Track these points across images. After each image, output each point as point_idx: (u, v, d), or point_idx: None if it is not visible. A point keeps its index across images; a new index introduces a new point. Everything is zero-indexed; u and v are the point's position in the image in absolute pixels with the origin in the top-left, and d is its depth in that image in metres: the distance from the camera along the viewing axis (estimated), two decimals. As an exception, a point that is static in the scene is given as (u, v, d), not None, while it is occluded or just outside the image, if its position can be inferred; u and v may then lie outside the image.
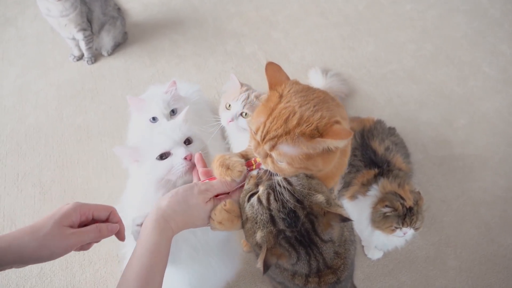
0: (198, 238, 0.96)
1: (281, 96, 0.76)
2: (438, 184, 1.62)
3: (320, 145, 0.72)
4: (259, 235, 0.75)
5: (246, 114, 1.24)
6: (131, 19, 2.27)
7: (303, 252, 0.76)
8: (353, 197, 1.35)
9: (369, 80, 2.02)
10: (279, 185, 0.76)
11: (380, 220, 1.23)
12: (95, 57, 2.12)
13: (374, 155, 1.37)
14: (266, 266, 0.73)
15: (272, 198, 0.76)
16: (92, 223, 0.77)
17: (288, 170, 0.77)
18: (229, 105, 1.26)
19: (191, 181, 0.90)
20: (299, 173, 0.79)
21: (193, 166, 0.92)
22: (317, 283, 0.80)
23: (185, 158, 0.90)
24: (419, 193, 1.24)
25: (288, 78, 0.82)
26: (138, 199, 0.96)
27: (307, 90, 0.78)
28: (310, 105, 0.74)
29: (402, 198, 1.23)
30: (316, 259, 0.77)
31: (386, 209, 1.21)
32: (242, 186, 0.84)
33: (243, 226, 0.81)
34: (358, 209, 1.32)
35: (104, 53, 2.13)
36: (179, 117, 1.06)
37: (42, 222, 0.72)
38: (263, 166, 0.83)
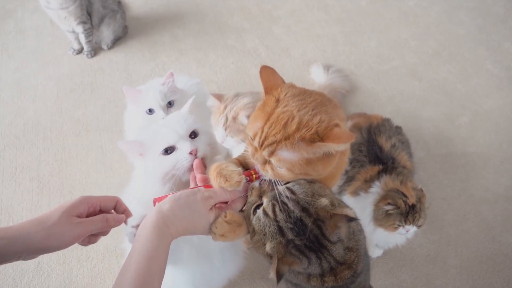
0: (199, 237, 0.94)
1: (278, 101, 0.74)
2: (439, 182, 1.61)
3: (321, 149, 0.71)
4: (268, 247, 0.74)
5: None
6: (131, 12, 2.25)
7: (314, 257, 0.75)
8: (355, 193, 1.33)
9: (371, 76, 2.00)
10: (282, 195, 0.75)
11: (382, 218, 1.22)
12: (95, 50, 2.10)
13: (380, 151, 1.36)
14: (279, 276, 0.72)
15: (277, 209, 0.74)
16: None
17: (288, 176, 0.76)
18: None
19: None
20: (299, 178, 0.78)
21: (198, 161, 0.89)
22: (334, 281, 0.79)
23: (190, 153, 0.88)
24: (421, 190, 1.23)
25: (283, 81, 0.80)
26: (143, 193, 0.93)
27: (304, 93, 0.77)
28: (309, 108, 0.72)
29: (404, 195, 1.21)
30: (327, 260, 0.76)
31: (389, 207, 1.19)
32: (243, 194, 0.83)
33: (251, 238, 0.79)
34: (360, 206, 1.30)
35: (104, 46, 2.11)
36: (184, 108, 1.02)
37: (50, 213, 0.73)
38: (263, 176, 0.81)
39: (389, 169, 1.32)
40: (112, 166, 1.64)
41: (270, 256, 0.74)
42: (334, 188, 1.42)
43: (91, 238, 0.79)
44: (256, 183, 0.82)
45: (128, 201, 0.92)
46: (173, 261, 0.77)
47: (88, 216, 0.77)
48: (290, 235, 0.73)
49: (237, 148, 1.31)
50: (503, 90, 1.93)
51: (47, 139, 1.74)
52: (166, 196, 0.82)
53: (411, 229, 1.22)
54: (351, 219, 0.74)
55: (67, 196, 1.55)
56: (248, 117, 1.19)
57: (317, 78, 1.88)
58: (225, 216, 0.79)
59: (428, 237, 1.45)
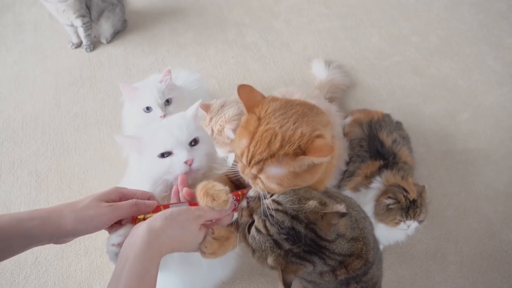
0: None
1: (259, 119, 0.75)
2: (440, 178, 1.60)
3: (305, 162, 0.72)
4: (270, 260, 0.75)
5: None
6: (131, 6, 2.23)
7: (317, 258, 0.76)
8: (355, 189, 1.33)
9: (372, 72, 1.99)
10: (269, 208, 0.75)
11: (383, 213, 1.21)
12: (94, 44, 2.08)
13: (381, 146, 1.35)
14: (287, 285, 0.74)
15: (268, 224, 0.74)
16: None
17: (278, 189, 0.77)
18: None
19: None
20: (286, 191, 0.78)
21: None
22: (346, 273, 0.80)
23: (186, 162, 0.86)
24: (423, 187, 1.22)
25: (263, 96, 0.80)
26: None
27: (285, 107, 0.77)
28: (290, 123, 0.73)
29: (405, 190, 1.21)
30: (331, 258, 0.77)
31: (389, 201, 1.19)
32: (233, 210, 0.83)
33: (252, 256, 0.80)
34: (360, 202, 1.28)
35: (103, 40, 2.09)
36: (189, 112, 0.97)
37: (83, 199, 0.74)
38: (250, 193, 0.82)
39: (390, 164, 1.31)
40: (111, 160, 1.63)
41: (274, 268, 0.75)
42: (334, 183, 1.41)
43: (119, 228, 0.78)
44: (244, 203, 0.82)
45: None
46: (160, 266, 0.75)
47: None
48: (287, 246, 0.74)
49: (231, 155, 1.30)
50: (505, 86, 1.92)
51: (45, 133, 1.72)
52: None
53: (412, 224, 1.21)
54: (343, 215, 0.74)
55: (66, 190, 1.54)
56: (233, 130, 1.18)
57: (317, 74, 1.87)
58: (213, 233, 0.79)
59: (428, 233, 1.45)
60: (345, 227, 0.78)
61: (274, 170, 0.73)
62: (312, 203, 0.74)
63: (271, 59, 2.04)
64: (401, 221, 1.22)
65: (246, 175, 0.78)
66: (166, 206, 0.80)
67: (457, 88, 1.92)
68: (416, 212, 1.20)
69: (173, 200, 0.86)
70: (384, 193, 1.24)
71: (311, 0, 2.35)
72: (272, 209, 0.75)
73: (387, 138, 1.37)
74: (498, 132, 1.75)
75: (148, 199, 0.81)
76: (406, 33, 2.17)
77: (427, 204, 1.23)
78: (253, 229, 0.76)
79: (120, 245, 0.71)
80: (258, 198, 0.80)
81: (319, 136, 0.73)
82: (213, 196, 0.77)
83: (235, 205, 0.84)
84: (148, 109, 1.26)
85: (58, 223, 0.70)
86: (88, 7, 1.93)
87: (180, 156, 0.86)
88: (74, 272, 1.36)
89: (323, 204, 0.75)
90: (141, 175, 0.90)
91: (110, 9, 2.01)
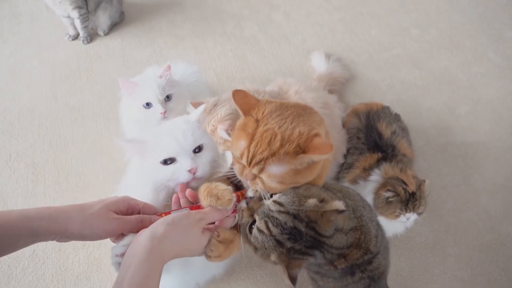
0: None
1: (257, 121, 0.78)
2: (439, 171, 1.59)
3: (304, 160, 0.74)
4: (273, 257, 0.76)
5: None
6: (128, -2, 2.21)
7: (317, 252, 0.78)
8: (353, 181, 1.32)
9: (371, 65, 1.98)
10: (271, 210, 0.77)
11: (383, 206, 1.21)
12: (91, 36, 2.06)
13: (380, 138, 1.34)
14: (293, 279, 0.76)
15: (270, 225, 0.76)
16: None
17: (279, 188, 0.79)
18: None
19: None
20: (286, 189, 0.80)
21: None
22: (345, 262, 0.82)
23: (189, 171, 0.85)
24: (424, 181, 1.22)
25: (257, 100, 0.83)
26: (136, 195, 0.89)
27: (281, 108, 0.80)
28: (288, 123, 0.76)
29: (404, 183, 1.20)
30: (330, 252, 0.79)
31: (388, 194, 1.18)
32: (232, 212, 0.84)
33: (255, 253, 0.81)
34: (358, 195, 1.29)
35: (100, 32, 2.07)
36: (193, 116, 0.94)
37: (92, 203, 0.75)
38: (249, 193, 0.84)
39: (389, 157, 1.30)
40: (109, 153, 1.62)
41: (277, 264, 0.77)
42: (331, 175, 1.40)
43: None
44: (243, 204, 0.83)
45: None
46: None
47: (126, 215, 0.78)
48: (289, 244, 0.75)
49: (228, 153, 1.29)
50: (505, 79, 1.91)
51: (42, 126, 1.71)
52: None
53: (412, 217, 1.21)
54: (342, 211, 0.75)
55: (63, 183, 1.53)
56: (226, 131, 1.18)
57: (317, 66, 1.86)
58: (218, 236, 0.80)
59: (427, 226, 1.44)
60: (342, 220, 0.79)
61: (275, 169, 0.75)
62: (311, 202, 0.76)
63: (270, 52, 2.02)
64: (400, 213, 1.21)
65: (245, 176, 0.80)
66: (167, 214, 0.81)
67: (456, 81, 1.91)
68: (416, 204, 1.20)
69: (173, 207, 0.85)
70: (383, 186, 1.23)
71: (310, -7, 2.33)
72: (275, 211, 0.76)
73: (386, 129, 1.35)
74: (497, 126, 1.74)
75: (154, 213, 0.81)
76: (406, 25, 2.16)
77: (426, 197, 1.23)
78: (255, 230, 0.78)
79: (123, 255, 0.71)
80: (258, 199, 0.82)
81: (316, 135, 0.76)
82: (218, 195, 0.79)
83: (236, 206, 0.84)
84: (148, 105, 1.25)
85: (65, 224, 0.71)
86: (85, -1, 1.91)
87: (184, 164, 0.85)
88: (71, 264, 1.35)
89: (322, 200, 0.77)
90: (142, 180, 0.88)
91: (107, 0, 1.99)
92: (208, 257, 0.79)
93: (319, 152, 0.73)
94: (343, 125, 1.48)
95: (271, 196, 0.80)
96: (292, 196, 0.77)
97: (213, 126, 1.23)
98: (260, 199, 0.81)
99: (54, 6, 1.88)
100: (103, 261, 1.36)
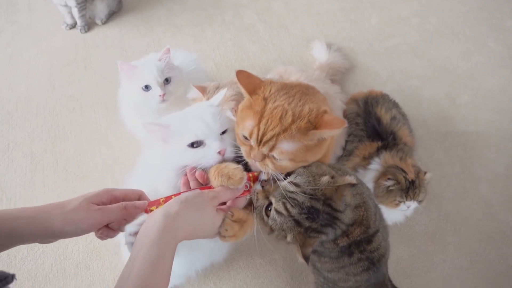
0: None
1: (265, 98, 0.78)
2: (439, 160, 1.59)
3: (316, 136, 0.75)
4: (289, 238, 0.77)
5: None
6: (126, -14, 2.19)
7: (330, 229, 0.79)
8: (353, 169, 1.32)
9: (371, 54, 1.96)
10: (289, 191, 0.77)
11: (383, 195, 1.21)
12: (89, 25, 2.04)
13: (378, 123, 1.32)
14: (306, 258, 0.77)
15: (289, 206, 0.76)
16: None
17: (290, 166, 0.79)
18: None
19: None
20: (296, 168, 0.81)
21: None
22: (347, 240, 0.84)
23: (219, 153, 0.84)
24: (425, 173, 1.21)
25: (260, 80, 0.83)
26: (153, 180, 0.89)
27: (286, 87, 0.81)
28: (296, 100, 0.77)
29: (404, 171, 1.20)
30: (340, 227, 0.80)
31: (389, 182, 1.18)
32: (243, 193, 0.83)
33: (268, 234, 0.82)
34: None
35: (98, 21, 2.05)
36: (215, 101, 0.94)
37: (72, 199, 0.73)
38: (263, 176, 0.84)
39: (390, 145, 1.29)
40: (107, 142, 1.61)
41: (292, 244, 0.78)
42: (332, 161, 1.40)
43: (109, 232, 0.76)
44: (258, 187, 0.83)
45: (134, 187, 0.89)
46: None
47: None
48: (307, 223, 0.76)
49: None
50: (505, 68, 1.90)
51: (40, 115, 1.70)
52: (157, 200, 0.80)
53: (412, 205, 1.21)
54: (354, 185, 0.77)
55: (61, 172, 1.52)
56: (232, 110, 1.17)
57: (318, 56, 1.84)
58: (232, 215, 0.79)
59: (427, 215, 1.44)
60: (350, 196, 0.81)
61: (287, 145, 0.75)
62: (325, 179, 0.77)
63: (269, 41, 2.00)
64: (401, 202, 1.21)
65: (254, 158, 0.80)
66: (177, 195, 0.79)
67: (457, 70, 1.90)
68: (416, 192, 1.20)
69: (182, 190, 0.84)
70: (383, 175, 1.23)
71: (310, -19, 2.31)
72: (292, 192, 0.76)
73: (385, 115, 1.34)
74: (498, 115, 1.74)
75: (139, 198, 0.80)
76: (406, 14, 2.14)
77: (426, 185, 1.23)
78: (273, 211, 0.78)
79: (137, 234, 0.70)
80: (273, 181, 0.82)
81: (325, 112, 0.77)
82: (229, 174, 0.79)
83: (247, 187, 0.84)
84: (147, 87, 1.23)
85: (45, 223, 0.69)
86: (82, -13, 1.89)
87: (213, 146, 0.84)
88: (71, 253, 1.35)
89: (334, 177, 0.79)
90: (167, 165, 0.87)
91: (105, -11, 1.97)
92: (223, 237, 0.78)
93: (330, 127, 0.74)
94: (344, 115, 1.47)
95: (286, 177, 0.80)
96: (307, 176, 0.78)
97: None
98: (275, 181, 0.81)
99: (51, -6, 1.86)
100: (103, 250, 1.35)
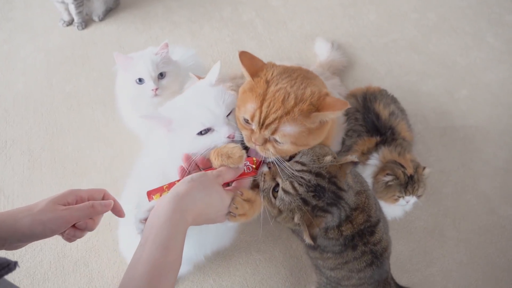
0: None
1: (267, 81, 0.78)
2: (438, 155, 1.59)
3: (318, 118, 0.76)
4: (297, 218, 0.78)
5: None
6: (123, -17, 2.18)
7: (335, 209, 0.80)
8: (352, 164, 1.31)
9: (370, 49, 1.96)
10: (297, 170, 0.78)
11: (382, 190, 1.20)
12: (86, 22, 2.03)
13: (377, 119, 1.32)
14: (314, 238, 0.78)
15: (296, 184, 0.77)
16: None
17: (291, 149, 0.79)
18: None
19: None
20: (296, 152, 0.82)
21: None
22: (352, 228, 0.85)
23: (228, 137, 0.84)
24: (424, 168, 1.21)
25: (263, 62, 0.83)
26: (163, 171, 0.88)
27: (288, 71, 0.81)
28: (298, 83, 0.77)
29: (402, 166, 1.19)
30: (344, 208, 0.82)
31: (388, 178, 1.18)
32: (244, 174, 0.83)
33: (276, 217, 0.82)
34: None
35: (95, 18, 2.04)
36: (212, 77, 0.91)
37: (38, 202, 0.72)
38: (266, 159, 0.83)
39: (388, 140, 1.29)
40: (105, 139, 1.60)
41: (299, 225, 0.79)
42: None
43: (76, 232, 0.76)
44: (265, 168, 0.84)
45: (139, 180, 0.89)
46: None
47: None
48: (314, 202, 0.77)
49: None
50: (504, 63, 1.90)
51: (37, 113, 1.69)
52: (161, 187, 0.79)
53: (411, 200, 1.20)
54: (356, 163, 0.79)
55: (59, 170, 1.52)
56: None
57: (319, 52, 1.84)
58: (242, 194, 0.79)
59: (426, 210, 1.44)
60: (351, 179, 0.83)
61: (289, 128, 0.76)
62: (329, 158, 0.79)
63: (267, 37, 2.00)
64: (400, 197, 1.21)
65: (255, 142, 0.80)
66: (172, 185, 0.79)
67: (455, 65, 1.89)
68: (415, 187, 1.19)
69: (179, 178, 0.83)
70: (382, 170, 1.22)
71: (308, -23, 2.30)
72: (298, 170, 0.78)
73: (384, 110, 1.34)
74: (496, 109, 1.73)
75: (103, 196, 0.80)
76: (405, 10, 2.13)
77: (425, 180, 1.22)
78: (280, 191, 0.79)
79: (146, 220, 0.70)
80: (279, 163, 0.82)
81: (327, 94, 0.78)
82: (228, 153, 0.79)
83: (249, 169, 0.84)
84: (140, 80, 1.22)
85: (13, 226, 0.68)
86: (79, -17, 1.88)
87: (222, 132, 0.84)
88: (69, 251, 1.34)
89: (335, 157, 0.81)
90: (175, 153, 0.86)
91: (102, -15, 1.96)
92: (232, 216, 0.78)
93: (333, 109, 0.74)
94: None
95: (289, 160, 0.81)
96: (311, 155, 0.79)
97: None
98: (281, 162, 0.81)
99: (47, -9, 1.85)
100: (101, 247, 1.35)
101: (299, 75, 0.80)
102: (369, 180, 1.26)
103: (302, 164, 0.78)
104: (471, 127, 1.68)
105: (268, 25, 2.05)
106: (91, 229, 0.77)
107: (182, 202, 0.68)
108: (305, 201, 0.77)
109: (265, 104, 0.76)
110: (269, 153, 0.79)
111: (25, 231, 0.69)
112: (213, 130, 0.84)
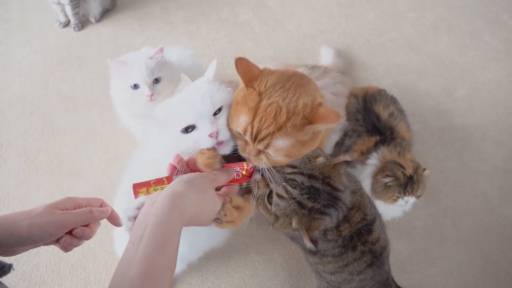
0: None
1: (260, 94, 0.76)
2: (437, 154, 1.58)
3: (311, 130, 0.75)
4: (294, 223, 0.77)
5: None
6: (119, -16, 2.17)
7: (333, 210, 0.80)
8: (351, 165, 1.30)
9: (368, 49, 1.95)
10: (287, 173, 0.78)
11: (381, 191, 1.20)
12: (82, 23, 2.02)
13: (378, 120, 1.32)
14: (315, 242, 0.77)
15: (289, 188, 0.77)
16: None
17: (285, 161, 0.78)
18: None
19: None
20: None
21: (218, 143, 0.82)
22: (349, 227, 0.85)
23: (210, 135, 0.80)
24: (424, 169, 1.20)
25: (259, 70, 0.81)
26: (157, 172, 0.85)
27: (282, 79, 0.79)
28: (290, 95, 0.75)
29: (402, 166, 1.19)
30: (342, 209, 0.81)
31: (388, 179, 1.17)
32: (235, 180, 0.82)
33: (273, 224, 0.82)
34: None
35: (92, 19, 2.03)
36: (209, 74, 0.89)
37: (36, 207, 0.72)
38: (258, 167, 0.82)
39: (387, 140, 1.29)
40: (102, 141, 1.59)
41: (298, 230, 0.78)
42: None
43: (73, 240, 0.74)
44: (257, 175, 0.83)
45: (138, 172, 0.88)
46: None
47: None
48: (309, 204, 0.76)
49: None
50: (502, 62, 1.90)
51: (33, 114, 1.68)
52: (148, 182, 0.77)
53: (410, 200, 1.20)
54: (349, 162, 0.80)
55: (56, 172, 1.50)
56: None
57: (324, 59, 1.82)
58: (231, 201, 0.78)
59: (426, 210, 1.43)
60: (346, 179, 0.83)
61: (282, 143, 0.74)
62: (321, 159, 0.78)
63: (265, 38, 1.99)
64: (399, 197, 1.20)
65: (249, 153, 0.79)
66: (168, 178, 0.78)
67: (453, 65, 1.89)
68: (414, 188, 1.19)
69: (168, 175, 0.83)
70: (381, 170, 1.22)
71: (305, -23, 2.29)
72: (289, 173, 0.77)
73: (383, 112, 1.33)
74: (495, 108, 1.73)
75: (100, 205, 0.79)
76: (402, 9, 2.13)
77: (425, 180, 1.22)
78: (274, 197, 0.78)
79: (135, 218, 0.69)
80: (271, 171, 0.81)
81: (320, 104, 0.76)
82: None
83: (240, 176, 0.83)
84: (135, 86, 1.21)
85: (11, 229, 0.67)
86: (75, -16, 1.87)
87: (204, 129, 0.80)
88: (66, 254, 1.32)
89: (328, 158, 0.80)
90: (167, 152, 0.84)
91: (98, -14, 1.95)
92: (219, 223, 0.77)
93: (326, 121, 0.73)
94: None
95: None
96: (302, 158, 0.79)
97: None
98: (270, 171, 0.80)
99: (43, -8, 1.84)
100: (98, 250, 1.33)
101: (293, 83, 0.78)
102: (368, 180, 1.25)
103: (293, 167, 0.78)
104: (469, 126, 1.67)
105: (265, 25, 2.05)
106: (88, 238, 0.75)
107: (180, 202, 0.67)
108: (300, 204, 0.76)
109: (257, 119, 0.74)
110: (262, 163, 0.78)
111: (23, 234, 0.68)
112: (197, 128, 0.81)
